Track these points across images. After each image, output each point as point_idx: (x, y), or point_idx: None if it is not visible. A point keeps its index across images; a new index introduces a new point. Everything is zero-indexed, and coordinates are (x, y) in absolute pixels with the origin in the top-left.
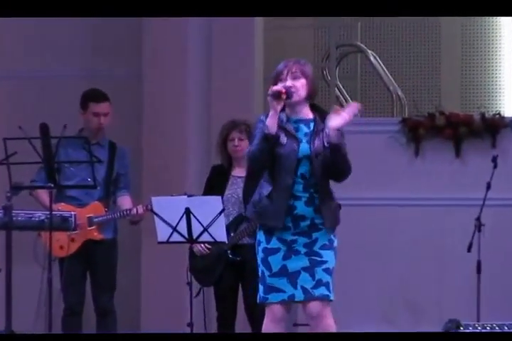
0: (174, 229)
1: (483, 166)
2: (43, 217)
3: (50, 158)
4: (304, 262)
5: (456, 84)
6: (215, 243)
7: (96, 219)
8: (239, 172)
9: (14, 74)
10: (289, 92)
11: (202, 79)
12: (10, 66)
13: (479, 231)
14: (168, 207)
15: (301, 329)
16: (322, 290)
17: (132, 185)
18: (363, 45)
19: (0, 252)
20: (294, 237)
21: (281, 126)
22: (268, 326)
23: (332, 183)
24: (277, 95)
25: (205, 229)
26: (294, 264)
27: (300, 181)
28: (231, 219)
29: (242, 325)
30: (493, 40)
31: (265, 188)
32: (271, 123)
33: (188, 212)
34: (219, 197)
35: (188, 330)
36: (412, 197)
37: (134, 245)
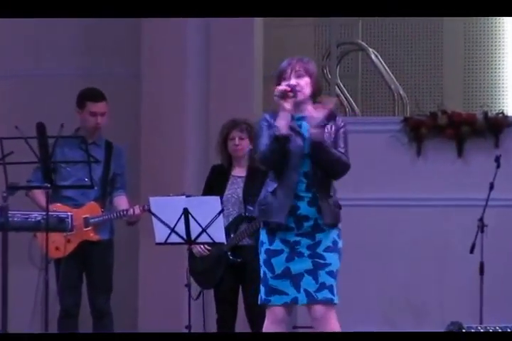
0: (172, 230)
1: (486, 166)
2: (39, 218)
3: (47, 158)
4: (308, 264)
5: (459, 83)
6: (214, 244)
7: (92, 220)
8: (239, 172)
9: (11, 73)
10: (293, 89)
11: (201, 79)
12: (7, 65)
13: (482, 232)
14: (166, 208)
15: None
16: (325, 294)
17: (130, 185)
18: (364, 43)
19: None
20: (297, 238)
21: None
22: (269, 328)
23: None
24: (284, 94)
25: (204, 230)
26: (297, 266)
27: (303, 180)
28: (231, 219)
29: (242, 327)
30: (496, 37)
31: (270, 186)
32: (282, 124)
33: (186, 212)
34: (218, 198)
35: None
36: (414, 197)
37: (132, 246)
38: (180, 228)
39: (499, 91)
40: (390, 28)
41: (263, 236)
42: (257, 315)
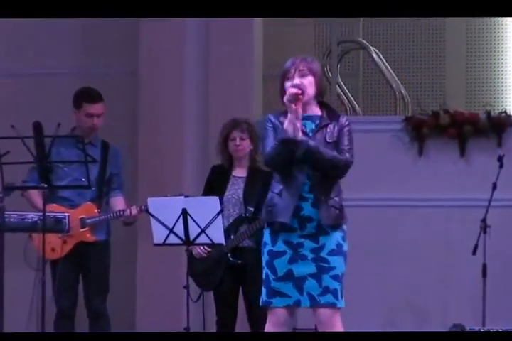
0: (171, 231)
1: (488, 166)
2: (35, 219)
3: (44, 158)
4: (311, 268)
5: (461, 82)
6: (213, 245)
7: (88, 221)
8: (240, 172)
9: (7, 72)
10: (303, 91)
11: (199, 78)
12: (3, 64)
13: (485, 232)
14: (165, 208)
15: None
16: (329, 298)
17: (127, 185)
18: (365, 42)
19: None
20: (301, 240)
21: None
22: (270, 330)
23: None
24: (295, 98)
25: (203, 231)
26: (301, 269)
27: (306, 181)
28: (231, 220)
29: (242, 329)
30: (499, 36)
31: (276, 188)
32: (290, 128)
33: (185, 213)
34: (217, 198)
35: None
36: (416, 197)
37: (129, 247)
38: (179, 229)
39: (502, 90)
40: (392, 26)
41: (266, 237)
42: (257, 316)
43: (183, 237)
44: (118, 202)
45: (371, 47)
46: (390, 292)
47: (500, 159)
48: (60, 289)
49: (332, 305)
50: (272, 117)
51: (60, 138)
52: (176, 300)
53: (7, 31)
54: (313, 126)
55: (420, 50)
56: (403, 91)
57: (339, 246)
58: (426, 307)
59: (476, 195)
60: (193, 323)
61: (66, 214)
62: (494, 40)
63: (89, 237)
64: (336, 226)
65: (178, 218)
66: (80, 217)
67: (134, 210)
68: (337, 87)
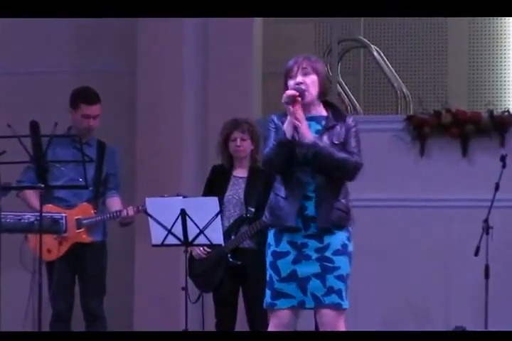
0: (169, 232)
1: (491, 166)
2: (32, 219)
3: (41, 157)
4: (315, 268)
5: (464, 81)
6: (212, 246)
7: (85, 221)
8: (240, 172)
9: (4, 71)
10: (301, 92)
11: (198, 77)
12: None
13: (487, 233)
14: (163, 209)
15: None
16: (333, 298)
17: (126, 185)
18: (366, 40)
19: None
20: (305, 240)
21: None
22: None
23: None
24: (292, 99)
25: (201, 232)
26: (304, 270)
27: (311, 181)
28: (232, 221)
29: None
30: (501, 34)
31: (280, 190)
32: (288, 129)
33: (183, 213)
34: (216, 198)
35: None
36: (417, 198)
37: (127, 248)
38: (178, 229)
39: (504, 89)
40: (393, 24)
41: (270, 238)
42: (257, 318)
43: (182, 238)
44: (114, 203)
45: (372, 46)
46: (391, 293)
47: (503, 159)
48: (56, 291)
49: (337, 306)
50: (275, 118)
51: (56, 138)
52: (175, 301)
53: (4, 30)
54: (319, 127)
55: (422, 49)
56: (404, 90)
57: (344, 246)
58: (427, 308)
59: (478, 195)
60: (192, 325)
61: (63, 214)
62: (496, 38)
63: (86, 238)
64: (341, 226)
65: (177, 218)
66: (76, 217)
67: (131, 211)
68: (337, 85)
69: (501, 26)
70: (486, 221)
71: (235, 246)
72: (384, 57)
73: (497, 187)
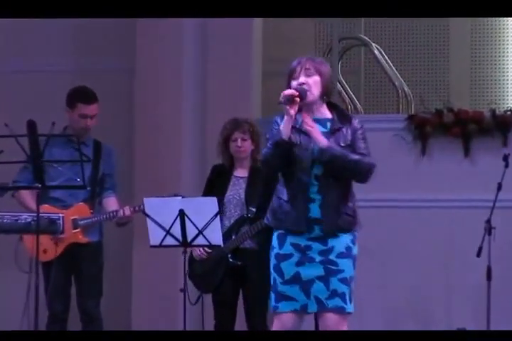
0: (167, 232)
1: (493, 166)
2: (29, 220)
3: (38, 157)
4: (319, 271)
5: (466, 79)
6: (212, 246)
7: (81, 222)
8: (241, 172)
9: (1, 69)
10: (302, 92)
11: (198, 76)
12: None
13: (489, 234)
14: (161, 209)
15: None
16: (337, 302)
17: (124, 185)
18: (366, 38)
19: None
20: (309, 243)
21: (296, 128)
22: None
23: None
24: (290, 100)
25: (200, 232)
26: (308, 272)
27: (314, 182)
28: (232, 221)
29: None
30: (503, 32)
31: (283, 193)
32: (284, 129)
33: (182, 213)
34: (215, 198)
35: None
36: (418, 198)
37: (125, 249)
38: (176, 230)
39: (507, 88)
40: (394, 22)
41: (274, 240)
42: (256, 319)
43: (180, 239)
44: (111, 203)
45: (373, 44)
46: (392, 294)
47: (505, 158)
48: (53, 293)
49: (340, 310)
50: (278, 119)
51: (53, 138)
52: (173, 303)
53: (2, 29)
54: (323, 130)
55: (423, 47)
56: (406, 88)
57: (348, 249)
58: (429, 310)
59: (480, 195)
60: (191, 327)
61: (60, 215)
62: (499, 36)
63: (82, 239)
64: (347, 230)
65: (175, 219)
66: (73, 218)
67: (128, 211)
68: (338, 84)
69: (504, 24)
70: (488, 221)
71: (236, 247)
72: (385, 56)
73: (499, 187)
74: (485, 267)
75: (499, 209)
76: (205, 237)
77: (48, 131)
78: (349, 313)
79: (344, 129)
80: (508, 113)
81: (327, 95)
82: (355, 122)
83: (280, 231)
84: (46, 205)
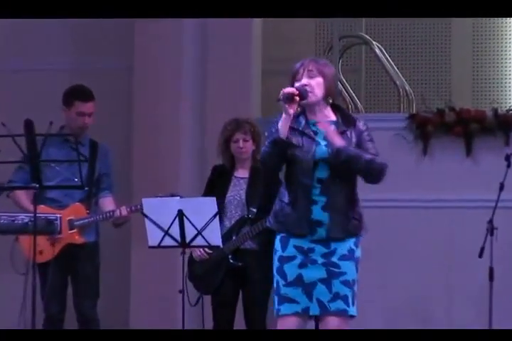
0: (166, 233)
1: (495, 165)
2: (26, 220)
3: (35, 157)
4: (321, 273)
5: (467, 78)
6: (211, 247)
7: (77, 222)
8: (242, 173)
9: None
10: (303, 92)
11: (197, 75)
12: None
13: (492, 234)
14: (160, 209)
15: None
16: (339, 304)
17: (122, 185)
18: (367, 37)
19: None
20: (312, 245)
21: (299, 130)
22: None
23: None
24: (289, 98)
25: (199, 233)
26: (310, 274)
27: (316, 185)
28: (233, 222)
29: None
30: (505, 31)
31: (285, 196)
32: (281, 127)
33: (181, 214)
34: (214, 199)
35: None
36: (419, 198)
37: (123, 250)
38: (175, 230)
39: (509, 87)
40: (395, 20)
41: (277, 243)
42: (255, 321)
43: (179, 239)
44: (107, 203)
45: (374, 42)
46: (392, 296)
47: (507, 158)
48: (50, 294)
49: (343, 313)
50: (279, 119)
51: (50, 137)
52: (172, 304)
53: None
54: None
55: (425, 45)
56: (407, 87)
57: (351, 251)
58: (430, 311)
59: (482, 195)
60: (190, 328)
61: (58, 215)
62: (501, 34)
63: (78, 239)
64: (354, 235)
65: (174, 219)
66: (69, 218)
67: (124, 211)
68: (338, 83)
69: (506, 22)
70: (490, 222)
71: (236, 247)
72: (386, 54)
73: (502, 187)
74: (486, 267)
75: (501, 209)
76: (204, 238)
77: (46, 131)
78: (352, 316)
79: (349, 132)
80: (511, 112)
81: (331, 97)
82: (360, 124)
83: (283, 234)
84: (42, 206)
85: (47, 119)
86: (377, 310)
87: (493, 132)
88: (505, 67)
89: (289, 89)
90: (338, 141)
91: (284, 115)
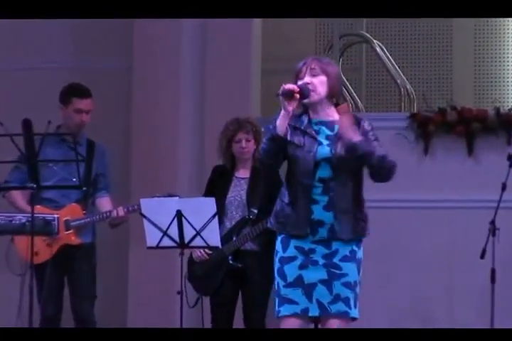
0: (165, 233)
1: (497, 165)
2: (24, 220)
3: (33, 157)
4: (322, 274)
5: (469, 77)
6: (211, 248)
7: (73, 223)
8: (243, 173)
9: None
10: (304, 91)
11: (196, 75)
12: None
13: (493, 235)
14: (158, 209)
15: None
16: (339, 306)
17: (120, 185)
18: (368, 35)
19: None
20: (313, 246)
21: (301, 129)
22: None
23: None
24: (289, 95)
25: (198, 233)
26: (311, 275)
27: (318, 185)
28: (234, 223)
29: None
30: (507, 30)
31: (285, 196)
32: (279, 124)
33: (179, 214)
34: (213, 199)
35: None
36: (420, 198)
37: (121, 251)
38: (173, 231)
39: (511, 86)
40: (396, 19)
41: (278, 244)
42: (254, 323)
43: (178, 240)
44: (104, 203)
45: (375, 41)
46: (393, 298)
47: (510, 158)
48: (47, 296)
49: (343, 315)
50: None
51: (46, 137)
52: (170, 305)
53: None
54: (329, 132)
55: (426, 44)
56: (408, 86)
57: (352, 252)
58: (431, 313)
59: (484, 195)
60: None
61: (55, 215)
62: (503, 33)
63: (75, 240)
64: (361, 236)
65: (173, 220)
66: (65, 219)
67: (121, 211)
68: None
69: (508, 21)
70: (492, 222)
71: (237, 248)
72: (387, 53)
73: (504, 187)
74: (488, 268)
75: (503, 209)
76: (202, 238)
77: (44, 130)
78: (354, 318)
79: (349, 142)
80: None
81: (334, 96)
82: (365, 124)
83: (283, 235)
84: (38, 206)
85: (46, 118)
86: (379, 310)
87: (495, 131)
88: (507, 65)
89: (289, 86)
90: (355, 136)
91: (282, 111)
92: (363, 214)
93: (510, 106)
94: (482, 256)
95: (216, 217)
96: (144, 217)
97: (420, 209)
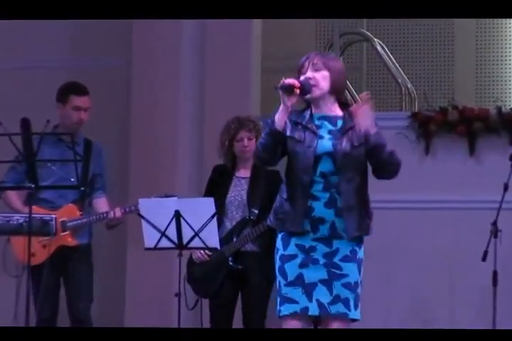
0: (163, 234)
1: (499, 165)
2: (21, 221)
3: (32, 156)
4: (322, 274)
5: (471, 76)
6: (210, 249)
7: (70, 224)
8: (243, 173)
9: None
10: (306, 86)
11: (195, 73)
12: None
13: (495, 237)
14: (157, 210)
15: None
16: (339, 307)
17: (118, 185)
18: (369, 33)
19: None
20: (314, 244)
21: (302, 124)
22: None
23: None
24: (289, 89)
25: (196, 234)
26: (311, 274)
27: (319, 180)
28: (234, 223)
29: None
30: (510, 29)
31: (285, 193)
32: (277, 119)
33: (178, 215)
34: (211, 199)
35: None
36: (421, 199)
37: (118, 251)
38: (172, 232)
39: None
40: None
41: (278, 242)
42: (254, 324)
43: (176, 241)
44: (101, 203)
45: (375, 40)
46: (393, 300)
47: None
48: (43, 298)
49: (343, 316)
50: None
51: (43, 136)
52: (168, 307)
53: None
54: (331, 127)
55: (427, 43)
56: (409, 85)
57: (353, 252)
58: (432, 315)
59: (486, 196)
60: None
61: (53, 216)
62: (505, 31)
63: (71, 241)
64: (366, 234)
65: (171, 220)
66: (61, 219)
67: (118, 212)
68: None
69: (509, 20)
70: (494, 223)
71: (237, 249)
72: (388, 52)
73: (506, 188)
74: (490, 269)
75: (506, 210)
76: (201, 239)
77: (42, 129)
78: (354, 320)
79: (357, 128)
80: None
81: (337, 91)
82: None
83: (284, 233)
84: (34, 206)
85: (44, 118)
86: (379, 311)
87: (497, 131)
88: (509, 65)
89: (290, 80)
90: (371, 127)
91: (281, 106)
92: (368, 212)
93: None
94: (484, 258)
95: (215, 218)
96: (142, 217)
97: (421, 209)
